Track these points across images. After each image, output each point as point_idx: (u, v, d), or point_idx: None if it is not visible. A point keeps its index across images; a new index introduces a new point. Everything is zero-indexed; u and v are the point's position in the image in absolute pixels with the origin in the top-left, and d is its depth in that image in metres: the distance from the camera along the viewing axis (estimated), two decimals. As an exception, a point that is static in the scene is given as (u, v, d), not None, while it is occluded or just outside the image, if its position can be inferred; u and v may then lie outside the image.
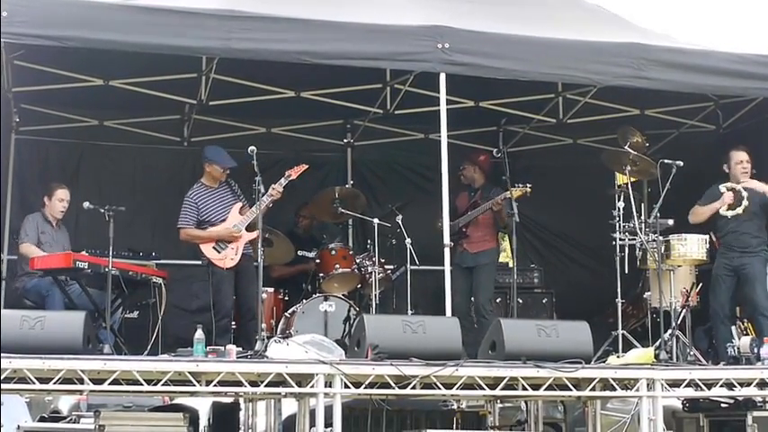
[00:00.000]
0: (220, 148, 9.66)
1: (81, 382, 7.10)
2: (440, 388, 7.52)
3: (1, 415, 8.23)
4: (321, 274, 9.96)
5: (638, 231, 9.30)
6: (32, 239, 9.42)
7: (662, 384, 7.89)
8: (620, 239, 9.33)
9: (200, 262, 9.54)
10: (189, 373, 7.24)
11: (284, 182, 9.39)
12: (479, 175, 10.28)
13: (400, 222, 9.84)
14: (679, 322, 9.24)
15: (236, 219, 9.40)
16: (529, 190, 9.73)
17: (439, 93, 8.56)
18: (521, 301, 10.29)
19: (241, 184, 9.50)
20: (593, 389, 7.94)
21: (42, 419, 10.94)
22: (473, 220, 10.07)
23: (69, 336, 7.21)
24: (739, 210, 9.38)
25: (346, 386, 7.36)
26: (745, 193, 9.38)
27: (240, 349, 8.11)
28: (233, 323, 9.58)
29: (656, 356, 8.47)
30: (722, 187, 9.49)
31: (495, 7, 9.24)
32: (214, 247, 9.38)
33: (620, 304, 9.27)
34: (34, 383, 7.00)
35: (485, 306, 9.98)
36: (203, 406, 9.88)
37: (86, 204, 8.99)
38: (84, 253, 9.04)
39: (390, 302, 10.27)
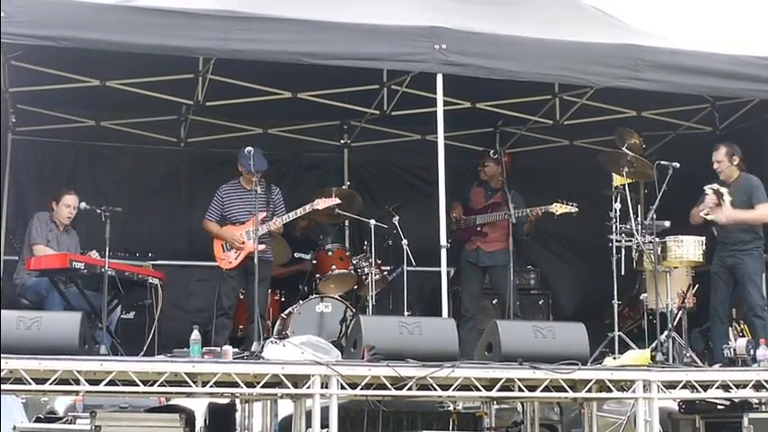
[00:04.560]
0: (257, 149, 9.14)
1: (77, 382, 7.09)
2: (436, 389, 7.51)
3: (-2, 415, 8.24)
4: (318, 275, 9.96)
5: (635, 233, 9.28)
6: (43, 239, 9.40)
7: (658, 386, 7.89)
8: (617, 241, 9.31)
9: (196, 263, 9.59)
10: (185, 373, 7.23)
11: (309, 209, 9.46)
12: (500, 175, 10.25)
13: (397, 223, 9.84)
14: (675, 324, 9.23)
15: (253, 227, 9.31)
16: (576, 210, 9.81)
17: (436, 94, 8.56)
18: (517, 302, 10.29)
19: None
20: (590, 390, 7.94)
21: (38, 420, 10.96)
22: (493, 221, 10.10)
23: (66, 336, 7.19)
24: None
25: (342, 387, 7.35)
26: (726, 197, 9.34)
27: (237, 350, 8.12)
28: (240, 326, 9.64)
29: (653, 358, 8.48)
30: (707, 189, 9.47)
31: (492, 8, 9.24)
32: (222, 246, 9.50)
33: (616, 306, 9.25)
34: (30, 384, 6.98)
35: (516, 307, 10.04)
36: (199, 407, 9.89)
37: (83, 205, 8.99)
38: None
39: (387, 303, 10.27)
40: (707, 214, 9.35)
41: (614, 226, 9.33)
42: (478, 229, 10.20)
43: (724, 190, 9.36)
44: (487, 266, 10.19)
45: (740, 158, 9.44)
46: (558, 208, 9.83)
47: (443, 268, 8.38)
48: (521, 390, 7.74)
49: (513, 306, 9.94)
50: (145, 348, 8.89)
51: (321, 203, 9.51)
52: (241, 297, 9.72)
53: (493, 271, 10.15)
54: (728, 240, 9.42)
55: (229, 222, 9.54)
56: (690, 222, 9.54)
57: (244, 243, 9.32)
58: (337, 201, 9.67)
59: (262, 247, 9.06)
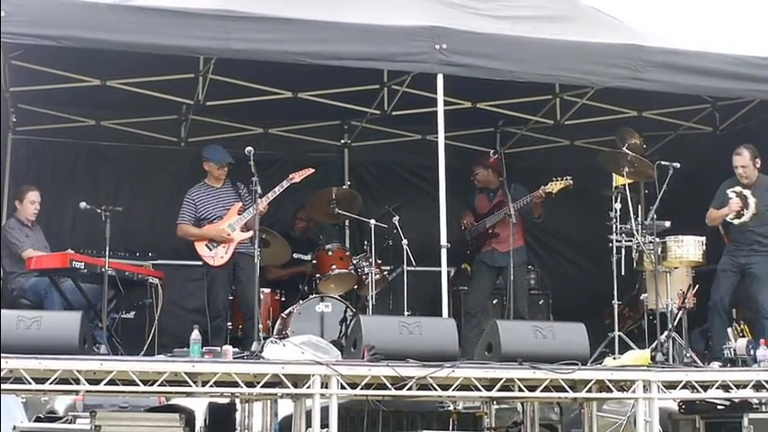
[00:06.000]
0: (218, 145, 9.80)
1: (77, 382, 7.09)
2: (436, 389, 7.51)
3: (-1, 415, 8.23)
4: (318, 275, 9.95)
5: (635, 233, 9.28)
6: (28, 244, 9.39)
7: (658, 386, 7.89)
8: (617, 241, 9.31)
9: (195, 262, 9.58)
10: (185, 373, 7.23)
11: (286, 184, 9.44)
12: (494, 176, 10.30)
13: (397, 223, 9.83)
14: (675, 324, 9.23)
15: (233, 218, 9.43)
16: (570, 183, 9.82)
17: (436, 94, 8.56)
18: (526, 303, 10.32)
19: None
20: (590, 390, 7.94)
21: (38, 420, 10.94)
22: (501, 219, 10.10)
23: (65, 336, 7.19)
24: (745, 218, 9.38)
25: (342, 387, 7.35)
26: (751, 200, 9.36)
27: (237, 350, 8.11)
28: (229, 324, 9.61)
29: (653, 358, 8.48)
30: (731, 192, 9.47)
31: (492, 8, 9.23)
32: (206, 245, 9.47)
33: (616, 306, 9.25)
34: (30, 384, 6.98)
35: (524, 309, 10.04)
36: (199, 406, 9.89)
37: (83, 204, 8.98)
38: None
39: (387, 303, 10.26)
40: (732, 219, 9.37)
41: (614, 226, 9.33)
42: (490, 231, 10.21)
43: (747, 192, 9.37)
44: (502, 267, 10.15)
45: (760, 160, 9.46)
46: (554, 186, 9.85)
47: (444, 268, 8.38)
48: (521, 390, 7.74)
49: (523, 309, 9.95)
50: (145, 348, 8.88)
51: (297, 176, 9.54)
52: (230, 297, 9.70)
53: (507, 271, 10.01)
54: (744, 240, 9.44)
55: (207, 222, 9.54)
56: (706, 223, 9.55)
57: (230, 235, 9.37)
58: (311, 170, 9.66)
59: (249, 233, 9.15)
